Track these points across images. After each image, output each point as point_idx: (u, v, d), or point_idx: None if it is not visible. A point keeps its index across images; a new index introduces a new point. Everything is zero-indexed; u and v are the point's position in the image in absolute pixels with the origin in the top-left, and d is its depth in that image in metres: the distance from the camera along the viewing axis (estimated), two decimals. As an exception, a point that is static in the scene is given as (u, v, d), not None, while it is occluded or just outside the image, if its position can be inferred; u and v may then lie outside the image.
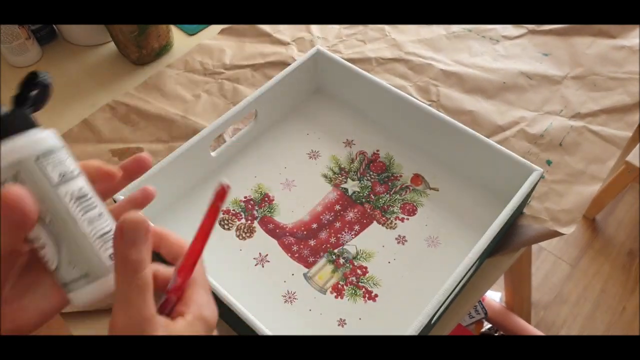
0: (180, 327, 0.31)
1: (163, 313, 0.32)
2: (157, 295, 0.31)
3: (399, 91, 0.64)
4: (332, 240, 0.59)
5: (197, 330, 0.32)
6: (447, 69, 0.77)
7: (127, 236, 0.29)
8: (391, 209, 0.62)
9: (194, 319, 0.32)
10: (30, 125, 0.32)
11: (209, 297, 0.33)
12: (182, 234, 0.61)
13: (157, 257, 0.55)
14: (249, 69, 0.78)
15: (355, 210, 0.62)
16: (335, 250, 0.59)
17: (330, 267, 0.58)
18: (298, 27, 0.84)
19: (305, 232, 0.60)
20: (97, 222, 0.32)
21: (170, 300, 0.32)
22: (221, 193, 0.33)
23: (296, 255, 0.59)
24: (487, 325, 1.23)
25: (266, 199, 0.63)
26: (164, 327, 0.30)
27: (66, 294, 0.32)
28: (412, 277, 0.57)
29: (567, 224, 0.59)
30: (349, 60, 0.75)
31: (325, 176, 0.65)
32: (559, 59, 0.79)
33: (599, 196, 1.39)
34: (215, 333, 0.34)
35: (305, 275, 0.57)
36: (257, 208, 0.62)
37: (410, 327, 0.46)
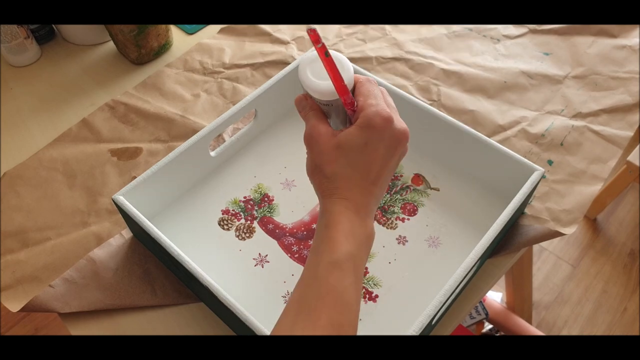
0: (346, 132, 0.42)
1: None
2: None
3: (399, 90, 0.64)
4: (332, 240, 0.59)
5: (363, 132, 0.41)
6: (448, 68, 0.76)
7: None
8: (392, 209, 0.62)
9: (358, 125, 0.41)
10: None
11: (373, 102, 0.42)
12: (181, 233, 0.61)
13: (157, 257, 0.55)
14: (248, 68, 0.78)
15: (356, 210, 0.62)
16: (336, 251, 0.58)
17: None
18: (298, 26, 0.84)
19: (305, 233, 0.60)
20: None
21: (350, 114, 0.43)
22: (313, 36, 0.39)
23: (296, 255, 0.58)
24: (488, 326, 1.23)
25: (266, 199, 0.63)
26: (331, 133, 0.42)
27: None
28: (412, 277, 0.56)
29: (568, 224, 0.59)
30: (350, 59, 0.74)
31: (325, 176, 0.65)
32: (560, 58, 0.78)
33: (600, 196, 1.39)
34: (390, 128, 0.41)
35: (305, 275, 0.57)
36: (256, 208, 0.62)
37: (411, 327, 0.45)
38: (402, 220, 0.61)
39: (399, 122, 0.42)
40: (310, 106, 0.45)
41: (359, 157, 0.41)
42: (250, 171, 0.65)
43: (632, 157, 1.27)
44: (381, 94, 0.44)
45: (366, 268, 0.57)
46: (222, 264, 0.58)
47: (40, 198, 0.64)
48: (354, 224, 0.40)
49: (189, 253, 0.51)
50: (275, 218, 0.61)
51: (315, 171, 0.43)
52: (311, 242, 0.59)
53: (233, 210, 0.62)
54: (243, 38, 0.82)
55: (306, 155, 0.45)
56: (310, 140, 0.43)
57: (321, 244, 0.40)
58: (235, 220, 0.61)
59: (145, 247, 0.59)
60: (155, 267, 0.57)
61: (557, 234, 0.58)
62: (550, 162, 0.66)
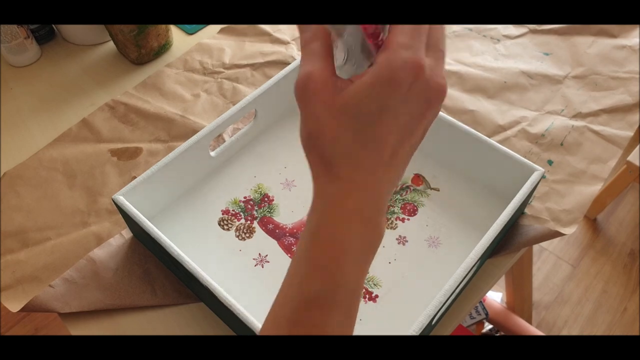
0: (356, 85, 0.29)
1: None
2: None
3: (399, 90, 0.64)
4: (332, 240, 0.59)
5: (380, 89, 0.28)
6: (448, 69, 0.76)
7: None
8: (392, 209, 0.62)
9: (376, 75, 0.29)
10: None
11: (406, 40, 0.30)
12: (181, 233, 0.61)
13: (157, 257, 0.55)
14: (248, 68, 0.78)
15: (356, 210, 0.62)
16: (336, 251, 0.58)
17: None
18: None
19: (305, 232, 0.60)
20: None
21: (373, 50, 0.32)
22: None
23: (296, 255, 0.58)
24: (488, 326, 1.23)
25: (266, 199, 0.63)
26: (333, 85, 0.29)
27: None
28: (412, 277, 0.56)
29: (568, 224, 0.59)
30: (349, 59, 0.75)
31: (325, 176, 0.65)
32: (560, 58, 0.78)
33: (600, 196, 1.39)
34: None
35: (305, 275, 0.57)
36: (256, 208, 0.62)
37: (411, 327, 0.45)
38: (402, 220, 0.61)
39: (435, 74, 0.30)
40: (314, 34, 0.32)
41: (371, 127, 0.29)
42: (250, 171, 0.65)
43: (632, 157, 1.27)
44: (428, 30, 0.32)
45: (366, 268, 0.57)
46: (222, 264, 0.58)
47: (40, 198, 0.64)
48: (359, 225, 0.30)
49: (189, 253, 0.51)
50: (275, 218, 0.61)
51: (310, 141, 0.30)
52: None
53: (233, 210, 0.62)
54: (243, 38, 0.82)
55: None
56: (303, 93, 0.29)
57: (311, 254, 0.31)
58: (235, 220, 0.61)
59: (145, 247, 0.59)
60: (155, 267, 0.57)
61: (557, 234, 0.58)
62: (550, 162, 0.66)
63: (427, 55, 0.31)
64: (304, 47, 0.32)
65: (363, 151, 0.29)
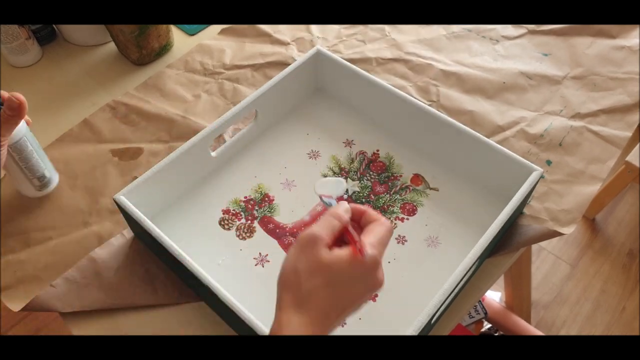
0: (340, 256, 0.40)
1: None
2: None
3: (399, 91, 0.64)
4: (332, 240, 0.59)
5: (356, 267, 0.40)
6: (447, 69, 0.77)
7: None
8: (391, 209, 0.62)
9: (355, 257, 0.40)
10: None
11: (377, 249, 0.41)
12: (182, 233, 0.61)
13: (158, 256, 0.55)
14: (249, 69, 0.78)
15: (355, 210, 0.62)
16: (335, 250, 0.59)
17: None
18: (298, 27, 0.84)
19: (305, 232, 0.60)
20: None
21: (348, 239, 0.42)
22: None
23: (296, 255, 0.58)
24: (487, 325, 1.23)
25: (266, 199, 0.63)
26: (329, 248, 0.41)
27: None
28: (412, 277, 0.57)
29: (567, 223, 0.59)
30: (349, 60, 0.75)
31: (325, 176, 0.65)
32: (559, 59, 0.79)
33: (599, 196, 1.39)
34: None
35: (305, 275, 0.57)
36: (257, 208, 0.62)
37: (410, 327, 0.46)
38: (402, 220, 0.61)
39: (381, 271, 0.41)
40: (340, 217, 0.42)
41: (341, 287, 0.40)
42: (251, 171, 0.66)
43: (631, 157, 1.27)
44: (386, 240, 0.42)
45: (366, 268, 0.57)
46: (223, 264, 0.58)
47: (41, 198, 0.64)
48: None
49: (190, 253, 0.51)
50: (275, 218, 0.62)
51: (292, 275, 0.41)
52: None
53: (234, 210, 0.62)
54: (243, 39, 0.82)
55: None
56: (309, 241, 0.40)
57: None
58: (236, 220, 0.62)
59: (146, 247, 0.59)
60: (156, 267, 0.57)
61: (556, 234, 0.58)
62: (549, 162, 0.66)
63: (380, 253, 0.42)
64: (328, 215, 0.42)
65: (329, 299, 0.40)
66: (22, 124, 0.57)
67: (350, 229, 0.42)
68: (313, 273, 0.40)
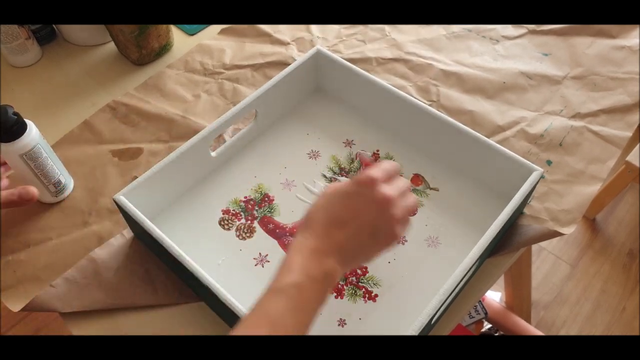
0: (338, 182, 0.49)
1: None
2: None
3: (399, 91, 0.64)
4: (332, 240, 0.59)
5: (349, 184, 0.45)
6: (447, 69, 0.77)
7: None
8: (391, 209, 0.62)
9: (350, 179, 0.48)
10: None
11: (371, 168, 0.45)
12: (182, 233, 0.61)
13: (158, 256, 0.55)
14: (249, 69, 0.78)
15: (355, 210, 0.62)
16: (335, 250, 0.59)
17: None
18: (298, 27, 0.84)
19: (305, 232, 0.60)
20: None
21: None
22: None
23: (296, 255, 0.58)
24: (487, 325, 1.23)
25: (266, 199, 0.63)
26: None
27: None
28: (412, 277, 0.57)
29: (567, 224, 0.59)
30: (349, 60, 0.75)
31: (325, 176, 0.65)
32: (559, 59, 0.79)
33: (599, 196, 1.39)
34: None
35: (305, 275, 0.57)
36: (257, 208, 0.62)
37: (411, 327, 0.46)
38: (402, 220, 0.61)
39: (386, 189, 0.44)
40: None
41: (335, 203, 0.44)
42: (251, 171, 0.66)
43: (631, 157, 1.27)
44: (390, 173, 0.46)
45: (366, 267, 0.57)
46: (223, 264, 0.58)
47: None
48: (309, 258, 0.41)
49: (190, 253, 0.51)
50: (275, 218, 0.62)
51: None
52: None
53: (233, 210, 0.62)
54: (243, 39, 0.82)
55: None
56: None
57: (276, 270, 0.42)
58: (236, 220, 0.62)
59: (146, 247, 0.59)
60: (156, 267, 0.57)
61: (556, 234, 0.58)
62: (549, 163, 0.66)
63: (391, 185, 0.46)
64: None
65: (325, 217, 0.44)
66: (35, 131, 0.57)
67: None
68: (314, 204, 0.45)
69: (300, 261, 0.41)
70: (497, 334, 1.22)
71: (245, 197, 0.63)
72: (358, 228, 0.43)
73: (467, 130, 0.60)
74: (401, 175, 0.65)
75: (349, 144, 0.68)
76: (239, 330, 0.38)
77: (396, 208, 0.45)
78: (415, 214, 0.48)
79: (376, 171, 0.45)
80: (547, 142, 0.68)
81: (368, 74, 0.66)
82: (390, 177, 0.47)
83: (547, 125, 0.70)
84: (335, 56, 0.68)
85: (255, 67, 0.78)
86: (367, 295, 0.55)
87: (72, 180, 0.65)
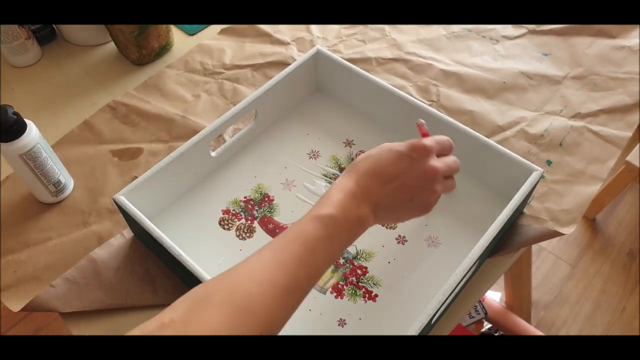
0: (397, 142, 0.48)
1: None
2: None
3: (399, 91, 0.64)
4: (332, 240, 0.59)
5: (404, 146, 0.47)
6: (447, 69, 0.77)
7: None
8: (391, 209, 0.62)
9: (407, 141, 0.48)
10: None
11: (427, 139, 0.49)
12: (182, 233, 0.61)
13: (158, 256, 0.55)
14: (249, 69, 0.78)
15: (355, 210, 0.62)
16: (335, 250, 0.59)
17: (330, 267, 0.58)
18: (298, 27, 0.84)
19: (305, 232, 0.60)
20: None
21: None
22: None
23: (296, 255, 0.58)
24: (487, 325, 1.23)
25: (266, 199, 0.63)
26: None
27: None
28: (412, 277, 0.57)
29: (567, 224, 0.59)
30: (349, 60, 0.75)
31: (325, 176, 0.65)
32: (559, 59, 0.79)
33: (599, 196, 1.39)
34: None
35: (305, 275, 0.57)
36: (257, 208, 0.62)
37: (411, 327, 0.46)
38: (402, 220, 0.61)
39: (436, 162, 0.47)
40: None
41: (386, 157, 0.47)
42: (251, 171, 0.66)
43: (631, 157, 1.27)
44: (445, 147, 0.49)
45: (366, 267, 0.57)
46: (223, 264, 0.58)
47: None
48: (348, 199, 0.44)
49: (190, 253, 0.51)
50: (275, 218, 0.62)
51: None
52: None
53: (234, 210, 0.62)
54: (243, 39, 0.82)
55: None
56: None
57: (315, 204, 0.45)
58: (236, 220, 0.62)
59: (146, 247, 0.59)
60: (156, 267, 0.57)
61: (556, 234, 0.58)
62: (549, 163, 0.66)
63: (442, 160, 0.49)
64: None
65: (373, 167, 0.47)
66: (35, 131, 0.57)
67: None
68: (368, 151, 0.48)
69: (341, 198, 0.44)
70: (497, 334, 1.22)
71: (245, 197, 0.63)
72: (399, 189, 0.46)
73: (467, 130, 0.60)
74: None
75: (349, 144, 0.68)
76: (273, 245, 0.41)
77: (439, 183, 0.48)
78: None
79: (432, 142, 0.47)
80: (547, 142, 0.68)
81: (368, 74, 0.66)
82: (443, 152, 0.49)
83: (547, 125, 0.70)
84: (335, 56, 0.68)
85: (255, 67, 0.78)
86: (367, 295, 0.55)
87: (72, 180, 0.65)
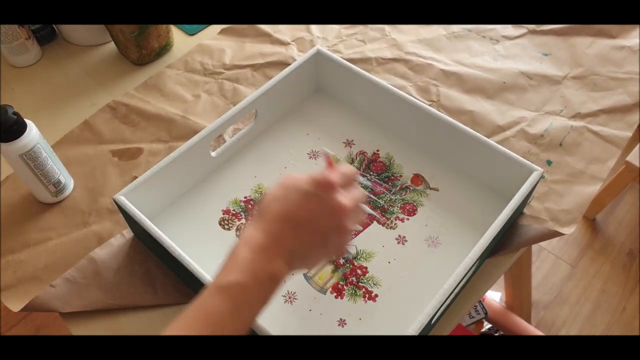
0: (299, 174, 0.44)
1: None
2: None
3: (399, 91, 0.64)
4: (332, 240, 0.59)
5: (309, 181, 0.43)
6: (447, 69, 0.77)
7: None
8: (391, 209, 0.62)
9: (309, 174, 0.44)
10: None
11: (331, 171, 0.44)
12: (182, 233, 0.61)
13: (158, 256, 0.55)
14: (249, 69, 0.78)
15: (355, 210, 0.62)
16: (336, 250, 0.59)
17: (330, 267, 0.58)
18: (298, 27, 0.84)
19: (305, 232, 0.60)
20: None
21: None
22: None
23: (296, 255, 0.58)
24: (487, 325, 1.23)
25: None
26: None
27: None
28: (412, 277, 0.57)
29: (567, 224, 0.59)
30: (349, 60, 0.75)
31: (325, 176, 0.65)
32: (559, 59, 0.79)
33: (599, 196, 1.39)
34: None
35: (305, 275, 0.57)
36: (257, 208, 0.62)
37: (411, 327, 0.46)
38: (402, 220, 0.61)
39: (343, 198, 0.43)
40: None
41: (293, 200, 0.42)
42: (251, 171, 0.66)
43: (631, 157, 1.27)
44: (349, 179, 0.45)
45: (366, 267, 0.57)
46: (223, 264, 0.58)
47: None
48: (257, 256, 0.40)
49: (190, 253, 0.51)
50: (275, 218, 0.62)
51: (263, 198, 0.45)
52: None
53: (234, 210, 0.62)
54: (243, 39, 0.82)
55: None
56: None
57: (221, 264, 0.40)
58: (236, 220, 0.61)
59: (146, 247, 0.59)
60: (156, 267, 0.57)
61: (556, 234, 0.58)
62: (549, 163, 0.66)
63: (349, 193, 0.44)
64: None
65: (280, 211, 0.42)
66: (35, 131, 0.57)
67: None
68: (271, 191, 0.44)
69: (249, 257, 0.40)
70: (497, 334, 1.22)
71: (245, 197, 0.63)
72: (311, 233, 0.42)
73: (467, 130, 0.60)
74: (400, 177, 0.65)
75: (349, 144, 0.68)
76: (174, 326, 0.38)
77: (349, 220, 0.44)
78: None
79: (336, 175, 0.43)
80: (547, 142, 0.68)
81: (368, 74, 0.66)
82: (348, 183, 0.45)
83: (547, 125, 0.70)
84: (335, 56, 0.68)
85: (255, 67, 0.78)
86: (367, 295, 0.55)
87: (72, 180, 0.65)
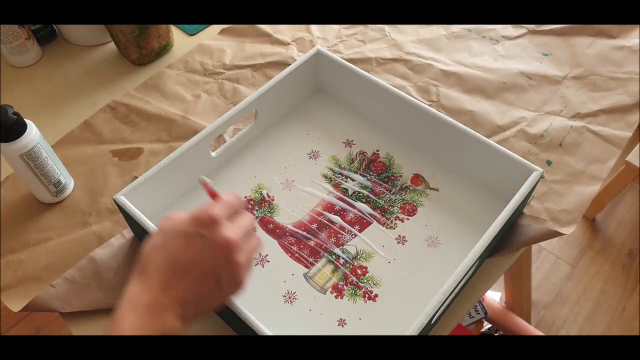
0: (178, 214, 0.42)
1: None
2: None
3: (399, 91, 0.64)
4: (332, 240, 0.59)
5: (189, 220, 0.41)
6: (447, 69, 0.77)
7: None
8: (391, 209, 0.62)
9: (189, 212, 0.42)
10: None
11: (214, 205, 0.42)
12: (182, 234, 0.61)
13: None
14: (249, 69, 0.78)
15: (355, 210, 0.62)
16: (335, 250, 0.59)
17: (330, 267, 0.58)
18: (298, 27, 0.84)
19: (305, 232, 0.60)
20: None
21: None
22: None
23: (296, 255, 0.59)
24: (487, 325, 1.23)
25: (266, 199, 0.63)
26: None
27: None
28: (412, 277, 0.57)
29: (567, 224, 0.59)
30: (349, 60, 0.75)
31: (325, 176, 0.65)
32: (559, 59, 0.79)
33: (599, 196, 1.39)
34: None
35: (305, 275, 0.57)
36: (257, 208, 0.62)
37: (410, 327, 0.46)
38: (402, 220, 0.61)
39: (229, 232, 0.40)
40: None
41: (174, 245, 0.40)
42: (251, 171, 0.66)
43: (631, 157, 1.27)
44: (233, 208, 0.43)
45: (366, 267, 0.57)
46: (223, 264, 0.58)
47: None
48: (141, 320, 0.37)
49: (190, 253, 0.51)
50: (275, 218, 0.62)
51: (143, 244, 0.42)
52: (311, 242, 0.59)
53: (233, 210, 0.62)
54: (243, 39, 0.82)
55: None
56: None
57: (107, 332, 0.38)
58: (236, 220, 0.61)
59: (146, 247, 0.59)
60: (156, 267, 0.57)
61: (556, 234, 0.58)
62: (549, 163, 0.66)
63: (234, 224, 0.42)
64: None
65: (164, 260, 0.40)
66: (35, 131, 0.57)
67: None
68: (151, 237, 0.41)
69: (133, 322, 0.37)
70: (497, 334, 1.22)
71: (245, 197, 0.63)
72: (200, 276, 0.40)
73: (467, 130, 0.60)
74: (400, 177, 0.65)
75: (349, 144, 0.68)
76: None
77: (240, 252, 0.41)
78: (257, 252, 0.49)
79: (218, 209, 0.41)
80: (547, 142, 0.68)
81: (368, 74, 0.66)
82: (234, 213, 0.43)
83: (547, 125, 0.70)
84: (335, 56, 0.68)
85: (255, 67, 0.78)
86: (367, 295, 0.55)
87: (72, 180, 0.65)
